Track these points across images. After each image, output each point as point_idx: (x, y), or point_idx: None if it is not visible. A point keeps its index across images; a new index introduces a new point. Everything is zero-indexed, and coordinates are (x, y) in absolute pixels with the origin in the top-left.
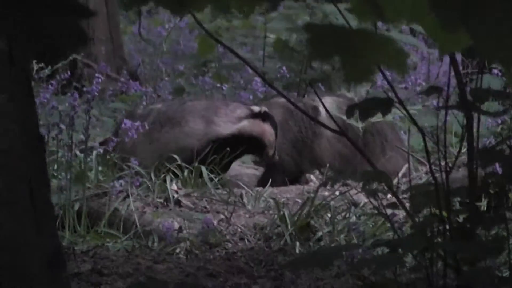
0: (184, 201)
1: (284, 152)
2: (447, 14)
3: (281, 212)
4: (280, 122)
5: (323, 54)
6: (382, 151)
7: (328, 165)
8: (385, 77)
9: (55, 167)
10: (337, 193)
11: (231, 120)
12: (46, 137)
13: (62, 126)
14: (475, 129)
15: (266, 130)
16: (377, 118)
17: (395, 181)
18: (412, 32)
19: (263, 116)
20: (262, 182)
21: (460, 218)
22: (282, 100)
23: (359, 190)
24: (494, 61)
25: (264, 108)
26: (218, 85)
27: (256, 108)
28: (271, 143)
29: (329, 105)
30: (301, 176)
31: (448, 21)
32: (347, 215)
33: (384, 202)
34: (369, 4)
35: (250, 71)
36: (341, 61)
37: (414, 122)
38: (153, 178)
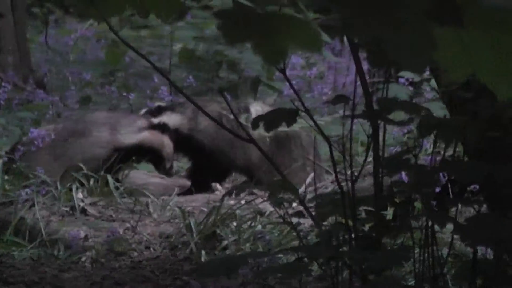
0: (90, 210)
1: (217, 147)
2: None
3: (187, 221)
4: (216, 117)
5: (236, 38)
6: (291, 160)
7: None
8: (291, 86)
9: None
10: (243, 202)
11: (133, 130)
12: None
13: None
14: (381, 138)
15: (164, 142)
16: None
17: (301, 190)
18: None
19: (162, 128)
20: (193, 173)
21: (366, 227)
22: (220, 98)
23: (265, 199)
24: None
25: (163, 120)
26: (125, 94)
27: (155, 120)
28: (169, 156)
29: (260, 111)
30: (229, 175)
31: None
32: (253, 224)
33: (290, 211)
34: None
35: (157, 80)
36: (254, 43)
37: (320, 131)
38: (59, 187)
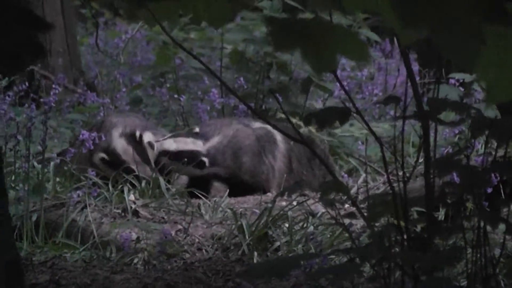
0: (142, 211)
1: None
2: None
3: (239, 223)
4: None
5: (285, 45)
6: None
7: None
8: (342, 87)
9: (13, 178)
10: (294, 203)
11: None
12: (4, 148)
13: (20, 138)
14: (432, 139)
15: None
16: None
17: (353, 191)
18: (369, 41)
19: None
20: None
21: (418, 228)
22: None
23: (317, 200)
24: (454, 58)
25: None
26: (175, 96)
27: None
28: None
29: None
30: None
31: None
32: (305, 225)
33: (342, 212)
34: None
35: (207, 82)
36: (303, 51)
37: (372, 132)
38: (110, 188)
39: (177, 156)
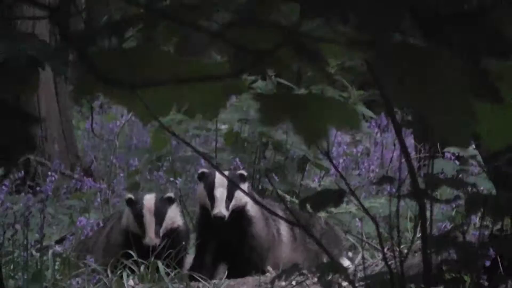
0: None
1: (264, 245)
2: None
3: None
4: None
5: (274, 119)
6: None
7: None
8: (335, 167)
9: (12, 267)
10: (293, 283)
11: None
12: (1, 238)
13: (17, 227)
14: (428, 215)
15: None
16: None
17: (351, 270)
18: (364, 117)
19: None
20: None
21: None
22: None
23: (315, 281)
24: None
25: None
26: (172, 179)
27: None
28: None
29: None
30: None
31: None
32: None
33: None
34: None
35: (204, 163)
36: (293, 124)
37: (366, 212)
38: (109, 274)
39: None
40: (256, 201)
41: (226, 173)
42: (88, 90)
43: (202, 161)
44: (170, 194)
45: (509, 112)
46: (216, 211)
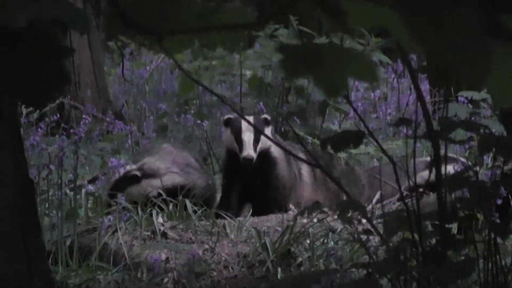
0: (170, 233)
1: (287, 184)
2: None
3: (263, 241)
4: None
5: (296, 73)
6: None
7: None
8: (355, 110)
9: (47, 205)
10: (315, 220)
11: None
12: (37, 177)
13: (52, 167)
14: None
15: None
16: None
17: (369, 208)
18: (381, 63)
19: None
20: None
21: (432, 241)
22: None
23: (336, 217)
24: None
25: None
26: (199, 122)
27: None
28: None
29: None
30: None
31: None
32: (325, 241)
33: (360, 228)
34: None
35: (227, 108)
36: (314, 78)
37: (384, 152)
38: (140, 212)
39: None
40: (277, 144)
41: (251, 118)
42: (117, 35)
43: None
44: (266, 116)
45: None
46: (245, 153)
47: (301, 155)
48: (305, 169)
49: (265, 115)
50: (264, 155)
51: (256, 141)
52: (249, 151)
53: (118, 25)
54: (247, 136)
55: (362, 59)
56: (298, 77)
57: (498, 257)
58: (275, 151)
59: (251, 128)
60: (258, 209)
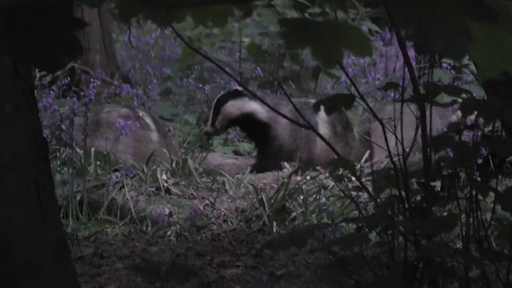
0: (173, 189)
1: (286, 144)
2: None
3: (259, 196)
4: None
5: (296, 45)
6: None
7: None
8: (346, 74)
9: (58, 163)
10: (308, 177)
11: None
12: (49, 136)
13: (63, 127)
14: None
15: None
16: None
17: (358, 166)
18: (371, 31)
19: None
20: (258, 167)
21: (418, 198)
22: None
23: (328, 175)
24: (444, 53)
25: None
26: (201, 85)
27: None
28: None
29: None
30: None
31: (402, 20)
32: (318, 197)
33: (351, 185)
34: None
35: (229, 72)
36: (312, 49)
37: (374, 114)
38: (145, 170)
39: None
40: (256, 96)
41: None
42: (131, 13)
43: (227, 69)
44: (237, 87)
45: (504, 41)
46: (204, 129)
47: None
48: (322, 125)
49: (237, 87)
50: (249, 120)
51: (216, 113)
52: (207, 126)
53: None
54: (211, 111)
55: (357, 33)
56: (297, 48)
57: (479, 212)
58: (263, 115)
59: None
60: (257, 166)
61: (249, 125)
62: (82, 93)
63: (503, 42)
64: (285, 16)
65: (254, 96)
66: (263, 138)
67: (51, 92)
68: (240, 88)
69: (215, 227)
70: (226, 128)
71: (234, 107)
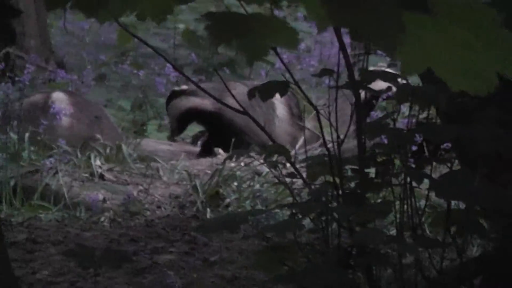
0: (107, 175)
1: (241, 123)
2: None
3: (193, 183)
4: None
5: (221, 39)
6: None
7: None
8: (281, 61)
9: None
10: (242, 164)
11: None
12: None
13: None
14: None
15: None
16: None
17: (293, 153)
18: (305, 18)
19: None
20: (205, 146)
21: (352, 184)
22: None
23: (262, 161)
24: (378, 45)
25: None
26: (135, 71)
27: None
28: None
29: (242, 90)
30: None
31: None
32: (252, 184)
33: (285, 172)
34: None
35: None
36: (238, 44)
37: (309, 101)
38: (79, 155)
39: None
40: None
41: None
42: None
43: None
44: (176, 88)
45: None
46: None
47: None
48: (279, 106)
49: (175, 88)
50: (196, 114)
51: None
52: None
53: None
54: None
55: (284, 27)
56: (223, 43)
57: (413, 199)
58: (207, 106)
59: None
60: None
61: (200, 118)
62: (17, 78)
63: (434, 36)
64: (220, 2)
65: (188, 79)
66: (220, 126)
67: None
68: (179, 88)
69: (149, 213)
70: (181, 127)
71: (176, 105)
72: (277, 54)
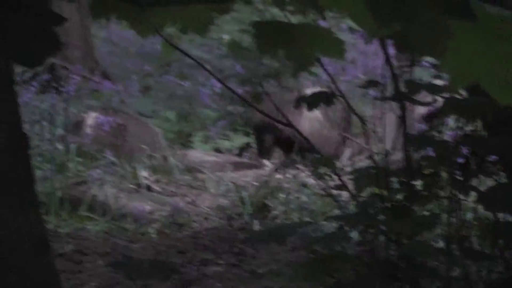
0: (154, 186)
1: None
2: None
3: (240, 194)
4: None
5: (269, 48)
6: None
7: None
8: (327, 73)
9: (39, 159)
10: (289, 175)
11: None
12: (30, 132)
13: (44, 123)
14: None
15: None
16: None
17: (340, 165)
18: (351, 29)
19: None
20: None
21: (399, 197)
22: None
23: (309, 173)
24: (425, 53)
25: None
26: (181, 82)
27: None
28: None
29: None
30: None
31: (382, 20)
32: (298, 196)
33: (332, 183)
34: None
35: (209, 69)
36: (286, 52)
37: (354, 112)
38: (126, 166)
39: None
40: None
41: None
42: (104, 11)
43: (208, 67)
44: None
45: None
46: None
47: None
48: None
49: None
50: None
51: None
52: None
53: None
54: None
55: (331, 37)
56: (270, 52)
57: (460, 212)
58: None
59: None
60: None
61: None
62: (62, 89)
63: (480, 48)
64: (264, 12)
65: (232, 92)
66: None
67: (32, 88)
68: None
69: (196, 224)
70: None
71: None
72: (322, 66)
